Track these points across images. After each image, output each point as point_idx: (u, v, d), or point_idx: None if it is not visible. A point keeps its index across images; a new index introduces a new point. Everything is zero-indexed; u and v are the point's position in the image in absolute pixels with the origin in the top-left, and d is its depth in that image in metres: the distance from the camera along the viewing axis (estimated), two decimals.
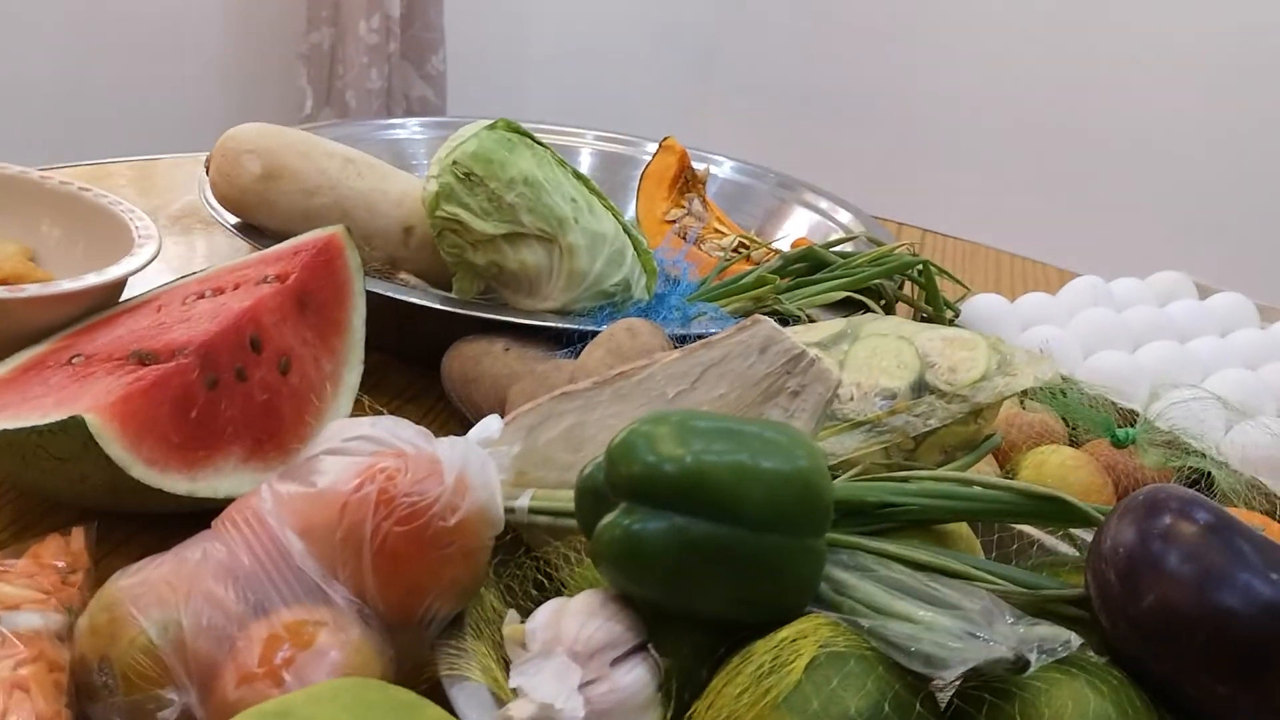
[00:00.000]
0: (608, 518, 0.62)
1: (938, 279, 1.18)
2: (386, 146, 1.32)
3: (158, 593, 0.63)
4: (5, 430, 0.72)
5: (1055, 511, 0.70)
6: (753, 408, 0.74)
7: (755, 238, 1.32)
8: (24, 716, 0.58)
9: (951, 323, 1.15)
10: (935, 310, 1.15)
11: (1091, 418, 0.94)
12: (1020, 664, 0.58)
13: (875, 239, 1.23)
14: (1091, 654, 0.63)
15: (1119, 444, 0.93)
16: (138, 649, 0.62)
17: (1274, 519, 0.93)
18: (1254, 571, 0.60)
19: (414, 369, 1.04)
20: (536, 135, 1.06)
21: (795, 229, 1.34)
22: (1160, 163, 2.83)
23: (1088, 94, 2.91)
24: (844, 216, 1.32)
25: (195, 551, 0.66)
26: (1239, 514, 0.81)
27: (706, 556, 0.61)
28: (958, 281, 1.24)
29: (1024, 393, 0.98)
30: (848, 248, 1.22)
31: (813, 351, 0.73)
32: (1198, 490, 0.88)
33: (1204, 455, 0.90)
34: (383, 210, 1.07)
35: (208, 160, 1.08)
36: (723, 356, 0.75)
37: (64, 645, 0.64)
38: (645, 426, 0.63)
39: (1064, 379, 0.96)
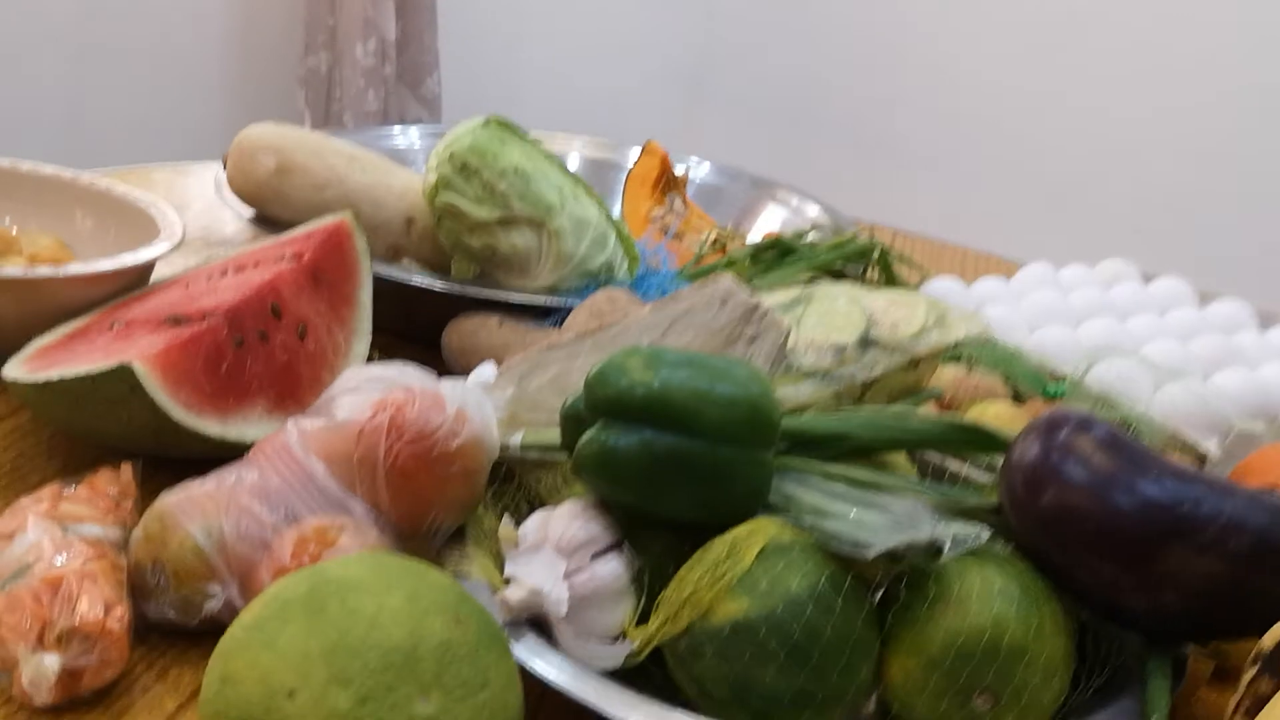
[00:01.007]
0: (587, 434, 0.73)
1: (900, 266, 1.29)
2: (389, 153, 1.42)
3: (201, 505, 0.74)
4: (62, 378, 0.83)
5: (977, 439, 0.81)
6: (715, 352, 0.84)
7: (732, 232, 1.43)
8: (94, 597, 0.68)
9: None
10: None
11: (1025, 374, 1.04)
12: (935, 548, 0.68)
13: (839, 230, 1.34)
14: (1000, 548, 0.73)
15: (1050, 397, 1.03)
16: (187, 550, 0.72)
17: (1202, 470, 1.03)
18: (1135, 472, 0.70)
19: (416, 346, 1.14)
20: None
21: (768, 224, 1.45)
22: (1115, 163, 2.95)
23: (1063, 106, 3.03)
24: (812, 211, 1.42)
25: (231, 475, 0.77)
26: None
27: (671, 465, 0.71)
28: (917, 267, 1.34)
29: (971, 358, 1.09)
30: (814, 237, 1.32)
31: (766, 304, 0.84)
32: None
33: (1119, 407, 1.00)
34: (386, 203, 1.17)
35: (225, 157, 1.19)
36: (688, 309, 0.85)
37: (120, 553, 0.75)
38: (619, 358, 0.74)
39: (1005, 345, 1.07)
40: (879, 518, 0.71)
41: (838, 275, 1.23)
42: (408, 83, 3.11)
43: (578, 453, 0.73)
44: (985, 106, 3.11)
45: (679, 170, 1.49)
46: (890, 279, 1.25)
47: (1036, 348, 1.18)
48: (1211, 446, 1.05)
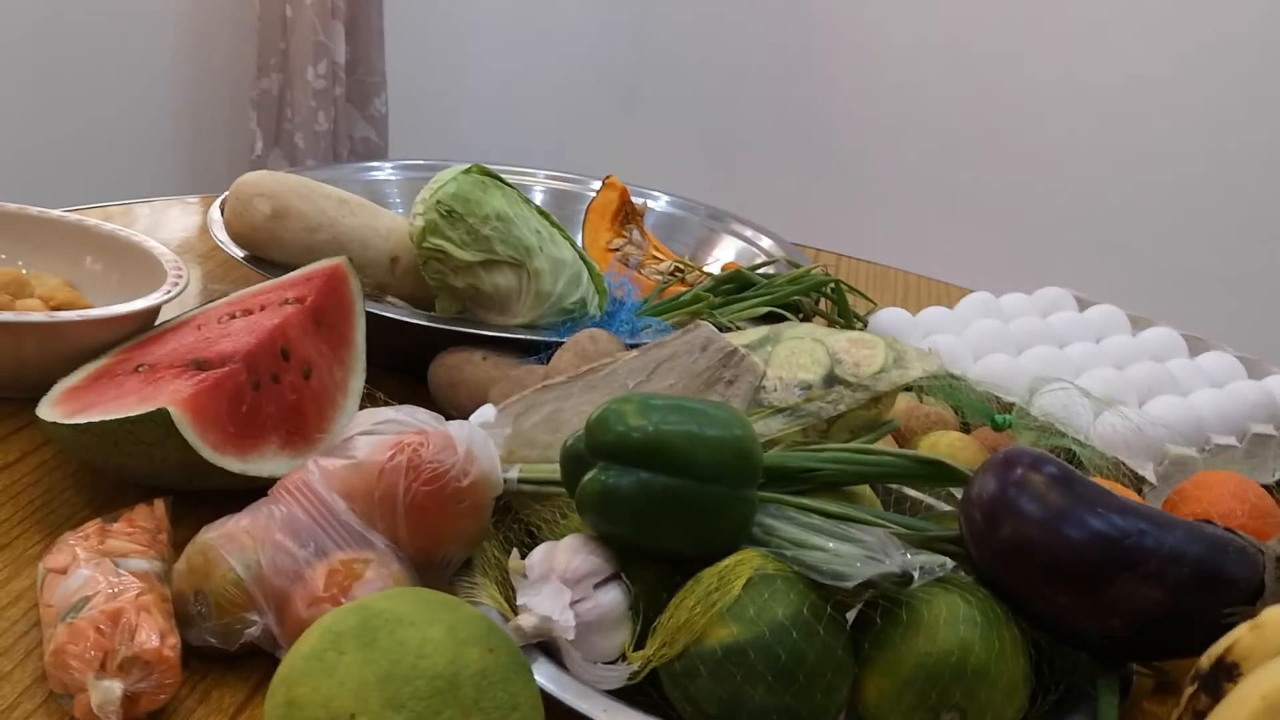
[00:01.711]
0: (588, 475, 0.80)
1: (849, 296, 1.37)
2: (364, 187, 1.50)
3: (240, 541, 0.81)
4: (102, 421, 0.90)
5: (937, 473, 0.89)
6: (696, 394, 0.93)
7: (689, 262, 1.51)
8: (150, 627, 0.75)
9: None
10: (845, 322, 1.34)
11: (973, 405, 1.13)
12: (905, 578, 0.76)
13: (794, 261, 1.42)
14: (964, 576, 0.82)
15: (998, 427, 1.12)
16: (228, 582, 0.80)
17: (1140, 494, 1.12)
18: (1084, 508, 0.79)
19: (402, 379, 1.21)
20: (502, 171, 1.25)
21: (724, 255, 1.53)
22: (1049, 190, 3.06)
23: (1001, 130, 3.13)
24: (766, 243, 1.51)
25: (263, 512, 0.84)
26: (1100, 481, 1.00)
27: (666, 503, 0.79)
28: (866, 298, 1.43)
29: (922, 389, 1.18)
30: (770, 270, 1.40)
31: (743, 349, 0.92)
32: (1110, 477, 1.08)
33: (1068, 436, 1.08)
34: (373, 243, 1.25)
35: (222, 202, 1.26)
36: (671, 354, 0.94)
37: (164, 585, 0.82)
38: (616, 404, 0.82)
39: (953, 377, 1.15)
40: (853, 550, 0.79)
41: (793, 307, 1.31)
42: (356, 103, 3.16)
43: (580, 492, 0.81)
44: (923, 128, 3.21)
45: (637, 202, 1.57)
46: (843, 310, 1.34)
47: (981, 375, 1.27)
48: (1149, 473, 1.14)
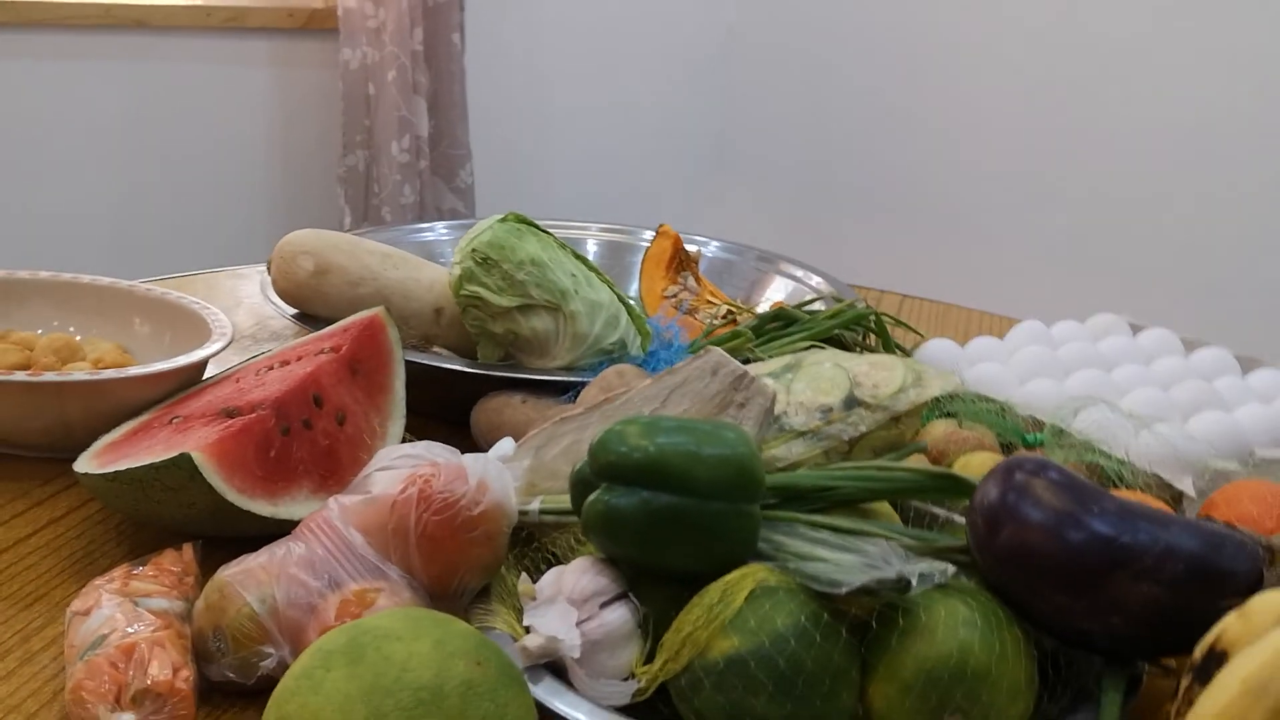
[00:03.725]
0: (592, 496, 0.82)
1: (899, 329, 1.38)
2: (419, 247, 1.53)
3: (256, 576, 0.84)
4: (130, 469, 0.93)
5: (947, 485, 0.90)
6: (708, 418, 0.94)
7: (741, 305, 1.52)
8: (163, 661, 0.78)
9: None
10: (888, 353, 1.34)
11: (1003, 424, 1.13)
12: (902, 583, 0.77)
13: (838, 297, 1.43)
14: (967, 582, 0.82)
15: (1029, 446, 1.12)
16: (244, 617, 0.82)
17: (1174, 509, 1.11)
18: (1081, 509, 0.79)
19: (449, 426, 1.23)
20: (546, 226, 1.27)
21: (776, 295, 1.54)
22: (1126, 224, 3.03)
23: (1073, 168, 3.11)
24: (815, 281, 1.52)
25: (281, 549, 0.86)
26: (1128, 493, 1.00)
27: (667, 521, 0.80)
28: (914, 330, 1.43)
29: (959, 414, 1.18)
30: (817, 306, 1.41)
31: (752, 372, 0.93)
32: (1108, 486, 1.08)
33: (1097, 453, 1.08)
34: (416, 295, 1.28)
35: (269, 262, 1.30)
36: (683, 380, 0.95)
37: (184, 624, 0.84)
38: (619, 426, 0.83)
39: (980, 398, 1.15)
40: (854, 559, 0.80)
41: (836, 342, 1.32)
42: (442, 175, 3.23)
43: (584, 513, 0.82)
44: (996, 172, 3.21)
45: (691, 249, 1.59)
46: (886, 343, 1.34)
47: (1025, 400, 1.26)
48: (1187, 486, 1.13)
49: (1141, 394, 1.27)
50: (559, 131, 3.52)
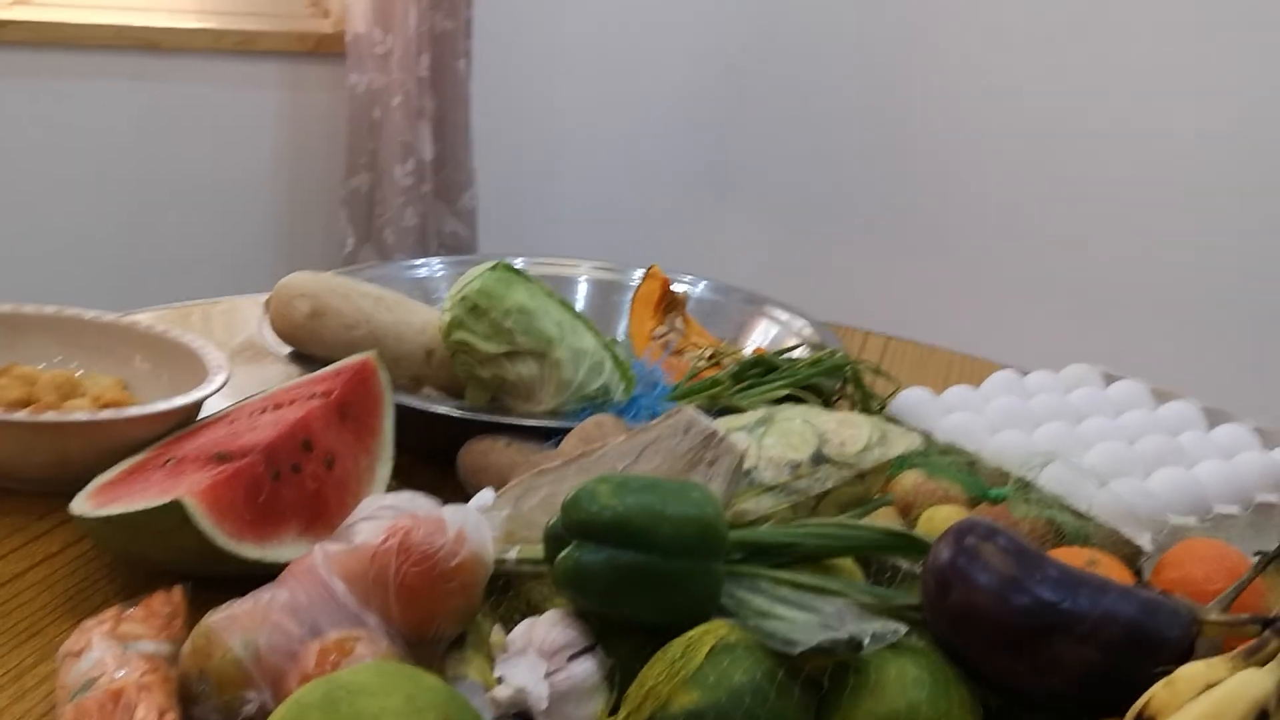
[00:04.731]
0: (563, 552, 0.86)
1: (874, 379, 1.42)
2: (414, 284, 1.58)
3: (241, 622, 0.87)
4: (122, 513, 0.97)
5: (904, 544, 0.94)
6: (680, 475, 0.98)
7: (726, 347, 1.56)
8: (149, 705, 0.82)
9: (878, 413, 1.38)
10: (863, 403, 1.39)
11: (964, 479, 1.17)
12: (854, 643, 0.81)
13: (818, 344, 1.47)
14: (918, 641, 0.86)
15: (993, 501, 1.16)
16: (227, 662, 0.86)
17: (1133, 563, 1.15)
18: (1026, 574, 0.83)
19: (435, 466, 1.26)
20: (541, 264, 1.32)
21: (761, 338, 1.58)
22: (1131, 268, 3.07)
23: (1075, 207, 3.15)
24: (798, 325, 1.56)
25: (266, 595, 0.90)
26: (1068, 553, 1.04)
27: (632, 577, 0.84)
28: (889, 378, 1.47)
29: (929, 467, 1.21)
30: (800, 353, 1.45)
31: (722, 430, 0.97)
32: (1066, 543, 1.12)
33: (1054, 508, 1.12)
34: (408, 338, 1.32)
35: (267, 302, 1.34)
36: (656, 437, 0.99)
37: (172, 666, 0.88)
38: (591, 484, 0.87)
39: (944, 452, 1.19)
40: (810, 618, 0.84)
41: (815, 389, 1.36)
42: (445, 199, 3.27)
43: (555, 568, 0.86)
44: (994, 208, 3.24)
45: (679, 289, 1.63)
46: (861, 392, 1.38)
47: (995, 451, 1.30)
48: (1145, 542, 1.17)
49: (1106, 448, 1.31)
50: (562, 157, 3.57)
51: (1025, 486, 1.17)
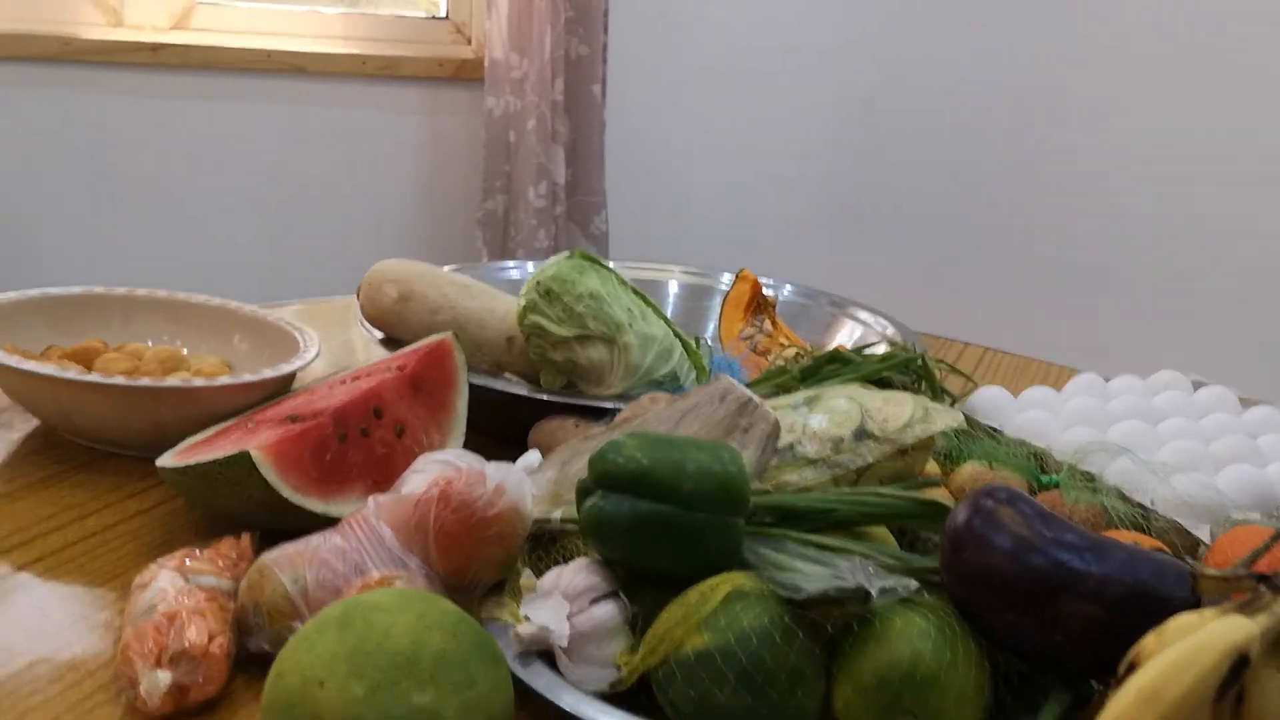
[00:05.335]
0: (588, 502, 0.90)
1: (953, 376, 1.44)
2: (507, 284, 1.64)
3: (292, 560, 0.94)
4: (198, 463, 1.04)
5: (934, 512, 0.97)
6: (711, 439, 1.02)
7: (811, 348, 1.60)
8: (200, 628, 0.88)
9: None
10: (934, 397, 1.41)
11: (1023, 468, 1.19)
12: (861, 593, 0.84)
13: (894, 341, 1.50)
14: (930, 598, 0.88)
15: (1043, 487, 1.17)
16: (278, 595, 0.92)
17: (1192, 555, 1.15)
18: (1035, 536, 0.85)
19: (508, 446, 1.31)
20: (632, 268, 1.37)
21: (845, 339, 1.62)
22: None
23: (1203, 227, 3.12)
24: (882, 326, 1.59)
25: (319, 538, 0.96)
26: (1139, 538, 1.05)
27: (653, 527, 0.88)
28: (967, 377, 1.49)
29: (965, 449, 1.23)
30: (879, 350, 1.48)
31: (757, 399, 1.01)
32: (1141, 530, 1.13)
33: (1101, 494, 1.13)
34: (490, 324, 1.37)
35: (359, 289, 1.41)
36: (694, 404, 1.03)
37: (230, 600, 0.94)
38: (618, 439, 0.92)
39: (992, 435, 1.21)
40: (824, 571, 0.87)
41: (885, 384, 1.38)
42: (577, 222, 3.34)
43: (581, 517, 0.91)
44: (1129, 247, 3.23)
45: (768, 294, 1.67)
46: (932, 386, 1.40)
47: (1065, 447, 1.31)
48: (1204, 534, 1.17)
49: (1179, 445, 1.31)
50: (692, 183, 3.62)
51: (1078, 474, 1.18)
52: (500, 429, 1.31)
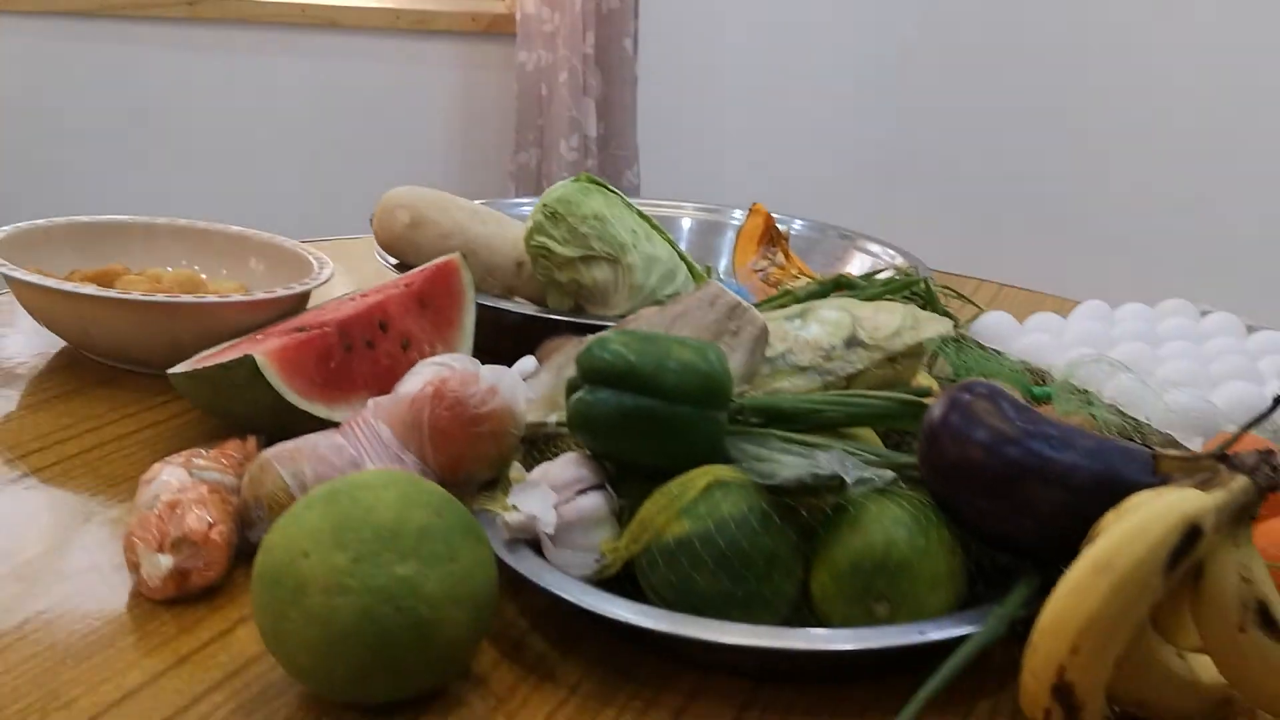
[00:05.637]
0: (574, 396, 0.93)
1: (956, 302, 1.46)
2: (518, 218, 1.66)
3: (291, 455, 0.97)
4: (205, 368, 1.08)
5: (920, 412, 0.98)
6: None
7: (822, 278, 1.62)
8: (201, 515, 0.91)
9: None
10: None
11: (1018, 380, 1.20)
12: (836, 480, 0.86)
13: (899, 268, 1.52)
14: (907, 489, 0.91)
15: (1036, 399, 1.19)
16: (278, 489, 0.95)
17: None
18: (1007, 425, 0.87)
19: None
20: (644, 204, 1.39)
21: (855, 270, 1.64)
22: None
23: (1234, 184, 3.12)
24: (891, 257, 1.61)
25: (319, 436, 0.99)
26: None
27: (637, 419, 0.91)
28: (971, 303, 1.51)
29: (985, 371, 1.25)
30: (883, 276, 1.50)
31: (745, 304, 1.03)
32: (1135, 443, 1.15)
33: (1095, 405, 1.15)
34: (500, 249, 1.40)
35: (372, 216, 1.44)
36: (685, 309, 1.06)
37: (232, 494, 0.98)
38: (604, 336, 0.94)
39: (981, 348, 1.22)
40: (802, 462, 0.90)
41: None
42: (609, 175, 3.36)
43: (569, 409, 0.94)
44: (1161, 208, 3.23)
45: (781, 227, 1.69)
46: (934, 308, 1.42)
47: (1064, 365, 1.33)
48: (1195, 446, 1.19)
49: (1178, 364, 1.33)
50: (726, 138, 3.63)
51: (1070, 387, 1.20)
52: (507, 350, 1.34)
